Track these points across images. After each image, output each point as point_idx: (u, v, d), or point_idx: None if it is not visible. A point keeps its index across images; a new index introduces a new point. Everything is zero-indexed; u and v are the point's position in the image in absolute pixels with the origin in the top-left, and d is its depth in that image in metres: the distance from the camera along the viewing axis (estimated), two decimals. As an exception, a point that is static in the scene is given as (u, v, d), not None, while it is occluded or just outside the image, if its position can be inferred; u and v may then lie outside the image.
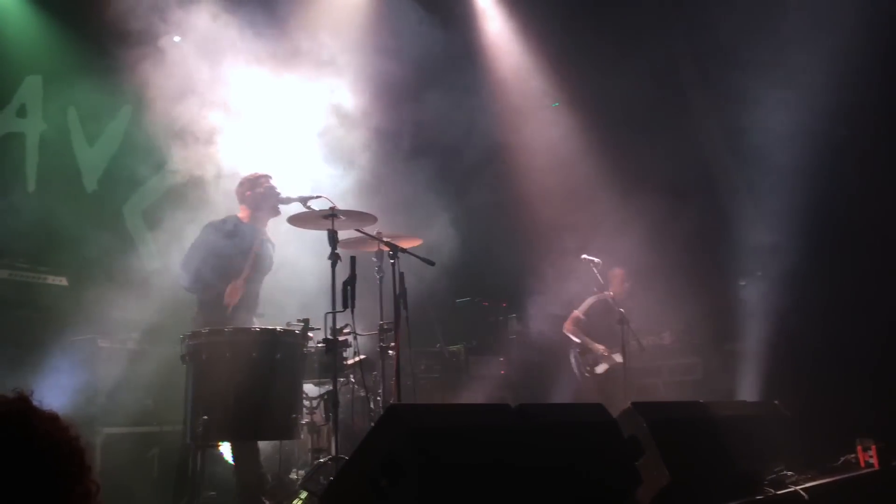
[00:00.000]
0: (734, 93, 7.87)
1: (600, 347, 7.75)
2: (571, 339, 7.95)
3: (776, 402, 5.74)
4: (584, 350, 7.85)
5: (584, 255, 7.41)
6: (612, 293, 7.75)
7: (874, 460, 5.59)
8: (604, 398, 7.33)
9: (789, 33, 7.45)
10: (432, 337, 8.26)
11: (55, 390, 5.11)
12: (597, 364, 7.77)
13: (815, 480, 4.94)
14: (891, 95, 7.21)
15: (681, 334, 7.72)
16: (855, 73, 7.02)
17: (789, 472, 4.88)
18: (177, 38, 6.16)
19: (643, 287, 8.01)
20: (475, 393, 7.79)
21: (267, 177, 5.59)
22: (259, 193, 5.52)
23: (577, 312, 7.99)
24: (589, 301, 7.96)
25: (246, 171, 5.75)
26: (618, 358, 7.43)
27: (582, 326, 7.94)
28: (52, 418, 1.79)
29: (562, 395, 8.08)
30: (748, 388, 7.08)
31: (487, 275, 9.20)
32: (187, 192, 6.68)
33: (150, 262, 7.18)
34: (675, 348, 8.17)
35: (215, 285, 5.24)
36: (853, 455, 5.73)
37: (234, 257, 5.33)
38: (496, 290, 9.23)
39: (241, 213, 5.58)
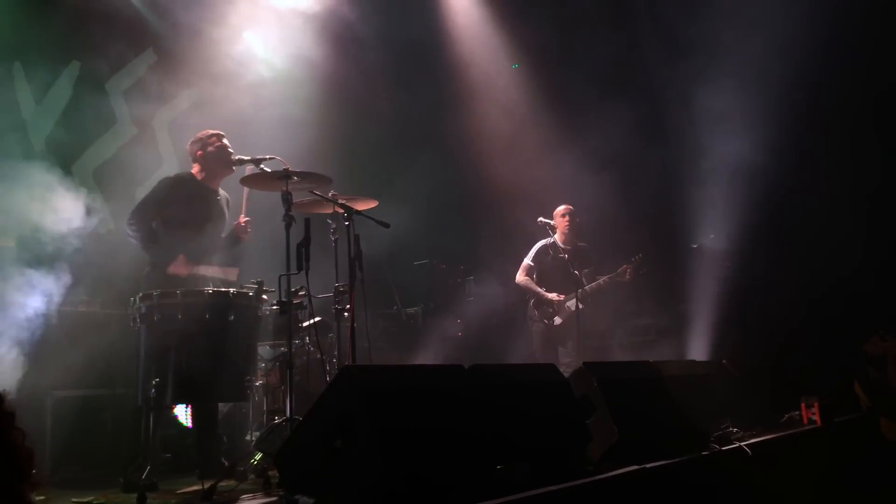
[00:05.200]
0: (691, 49, 7.95)
1: (552, 296, 7.48)
2: (527, 290, 7.66)
3: (724, 361, 5.88)
4: (538, 301, 7.56)
5: (540, 219, 7.40)
6: (560, 235, 7.56)
7: (817, 417, 5.77)
8: (558, 351, 7.47)
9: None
10: (390, 299, 8.30)
11: (2, 353, 5.03)
12: (554, 315, 7.49)
13: (759, 437, 5.08)
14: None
15: (639, 267, 7.41)
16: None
17: (735, 429, 5.02)
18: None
19: (598, 224, 7.97)
20: (431, 354, 7.86)
21: (219, 135, 5.50)
22: (211, 153, 5.43)
23: (527, 260, 7.69)
24: (535, 247, 7.67)
25: (198, 130, 5.65)
26: (572, 306, 7.28)
27: (534, 276, 7.63)
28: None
29: (518, 356, 8.15)
30: (698, 349, 7.24)
31: (445, 237, 9.22)
32: (139, 151, 6.56)
33: (102, 222, 7.05)
34: (631, 311, 8.31)
35: (168, 242, 5.17)
36: (797, 412, 5.92)
37: (187, 215, 5.26)
38: (454, 253, 9.27)
39: (195, 170, 5.51)
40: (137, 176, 6.83)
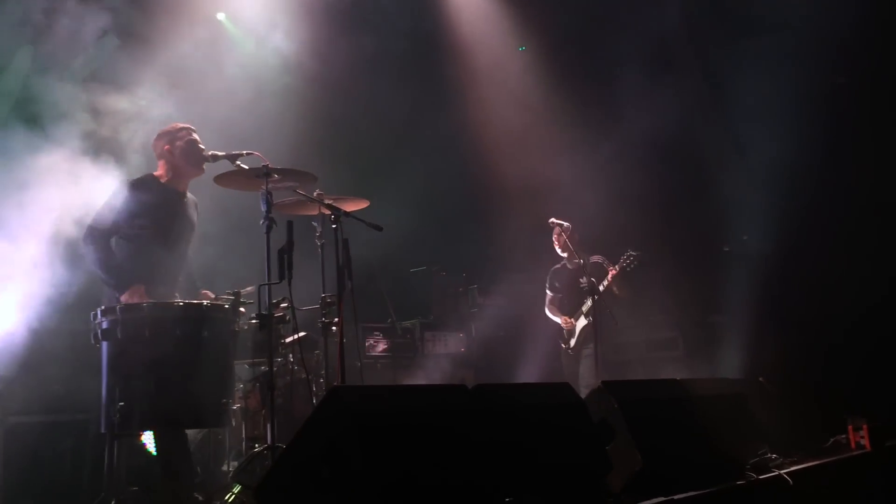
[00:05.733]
0: (723, 46, 7.99)
1: (562, 319, 7.77)
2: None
3: (761, 379, 5.87)
4: (560, 329, 7.84)
5: (552, 219, 7.44)
6: (565, 256, 7.81)
7: (866, 441, 5.75)
8: (584, 378, 7.51)
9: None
10: (383, 311, 8.30)
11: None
12: (570, 338, 7.75)
13: (801, 463, 5.06)
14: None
15: (628, 264, 7.54)
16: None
17: (773, 455, 5.01)
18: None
19: (618, 225, 8.10)
20: (431, 373, 7.88)
21: (189, 129, 5.45)
22: (179, 147, 5.37)
23: (546, 287, 8.06)
24: (549, 274, 8.05)
25: (165, 123, 5.63)
26: (579, 323, 7.58)
27: (555, 302, 7.97)
28: None
29: (529, 374, 8.17)
30: (731, 365, 7.23)
31: (446, 241, 9.23)
32: (99, 145, 6.53)
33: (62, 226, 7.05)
34: (655, 322, 8.32)
35: (127, 264, 5.13)
36: (843, 436, 5.90)
37: (152, 223, 5.23)
38: (455, 259, 9.27)
39: (159, 171, 5.45)
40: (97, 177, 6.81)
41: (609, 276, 7.53)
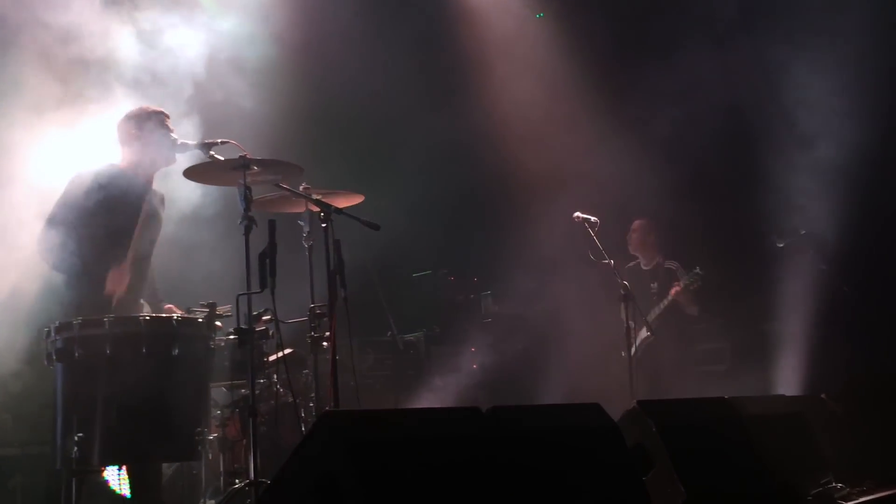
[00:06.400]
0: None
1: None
2: None
3: (823, 396, 5.85)
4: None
5: (576, 214, 7.44)
6: (637, 257, 8.27)
7: (947, 468, 5.74)
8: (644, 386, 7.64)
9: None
10: (382, 323, 8.30)
11: None
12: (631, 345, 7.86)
13: (871, 494, 5.07)
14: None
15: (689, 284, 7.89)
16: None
17: (839, 485, 5.00)
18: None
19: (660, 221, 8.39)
20: (439, 394, 7.87)
21: (161, 113, 5.48)
22: (149, 135, 5.40)
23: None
24: (624, 270, 8.17)
25: (131, 106, 5.62)
26: (640, 334, 7.84)
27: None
28: None
29: (553, 394, 8.16)
30: (788, 380, 7.22)
31: (453, 241, 9.23)
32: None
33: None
34: (699, 330, 8.33)
35: (91, 260, 5.16)
36: (920, 462, 5.89)
37: (115, 221, 5.24)
38: (464, 261, 9.27)
39: (123, 159, 5.46)
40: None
41: (671, 293, 7.95)
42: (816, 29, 7.75)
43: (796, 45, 7.81)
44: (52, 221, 5.16)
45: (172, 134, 5.42)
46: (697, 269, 7.86)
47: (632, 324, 7.21)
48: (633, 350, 7.70)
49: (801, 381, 7.16)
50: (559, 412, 4.64)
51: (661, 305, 8.03)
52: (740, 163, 8.46)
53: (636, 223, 8.39)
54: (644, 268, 8.35)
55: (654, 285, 8.09)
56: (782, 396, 6.32)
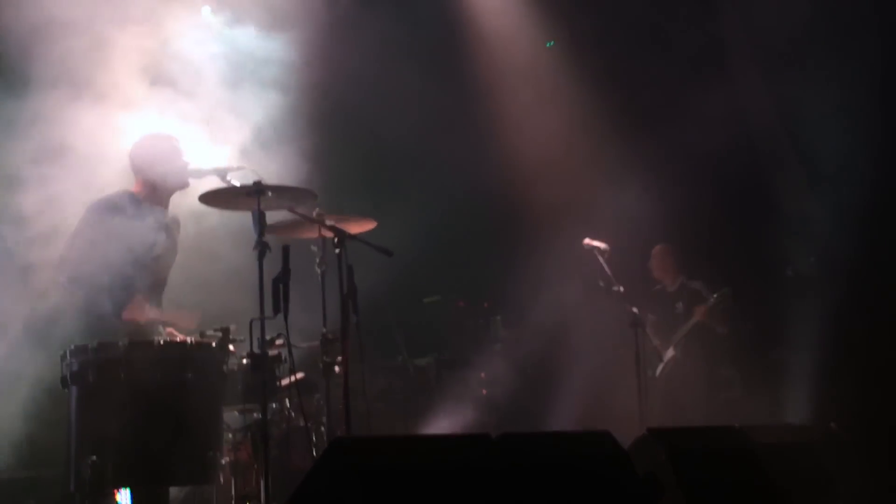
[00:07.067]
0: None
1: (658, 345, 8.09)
2: None
3: (832, 424, 5.82)
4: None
5: (586, 240, 7.44)
6: (660, 279, 8.51)
7: (959, 497, 5.70)
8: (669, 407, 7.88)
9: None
10: (393, 348, 8.30)
11: None
12: (658, 365, 8.15)
13: (882, 524, 5.03)
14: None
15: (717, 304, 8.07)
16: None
17: (849, 514, 4.97)
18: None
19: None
20: (449, 419, 7.84)
21: (172, 138, 5.52)
22: (162, 162, 5.44)
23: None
24: (651, 294, 8.50)
25: (144, 132, 5.66)
26: (668, 352, 8.07)
27: (654, 326, 8.22)
28: None
29: (562, 419, 8.14)
30: (798, 408, 7.19)
31: (464, 267, 9.22)
32: (64, 155, 6.54)
33: (20, 251, 7.07)
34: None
35: (108, 286, 5.18)
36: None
37: (131, 247, 5.27)
38: (475, 287, 9.26)
39: (136, 187, 5.50)
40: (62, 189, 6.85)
41: (697, 315, 8.10)
42: (831, 63, 7.78)
43: (810, 79, 7.84)
44: (69, 248, 5.20)
45: (185, 159, 5.46)
46: (725, 290, 8.01)
47: (641, 351, 7.20)
48: (658, 370, 7.90)
49: (810, 409, 7.13)
50: (569, 439, 4.63)
51: (687, 325, 8.18)
52: (753, 192, 8.48)
53: (655, 249, 8.63)
54: (669, 290, 8.54)
55: (680, 305, 8.29)
56: (791, 425, 6.30)
